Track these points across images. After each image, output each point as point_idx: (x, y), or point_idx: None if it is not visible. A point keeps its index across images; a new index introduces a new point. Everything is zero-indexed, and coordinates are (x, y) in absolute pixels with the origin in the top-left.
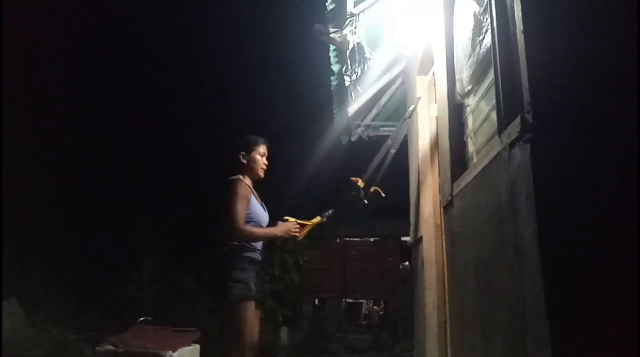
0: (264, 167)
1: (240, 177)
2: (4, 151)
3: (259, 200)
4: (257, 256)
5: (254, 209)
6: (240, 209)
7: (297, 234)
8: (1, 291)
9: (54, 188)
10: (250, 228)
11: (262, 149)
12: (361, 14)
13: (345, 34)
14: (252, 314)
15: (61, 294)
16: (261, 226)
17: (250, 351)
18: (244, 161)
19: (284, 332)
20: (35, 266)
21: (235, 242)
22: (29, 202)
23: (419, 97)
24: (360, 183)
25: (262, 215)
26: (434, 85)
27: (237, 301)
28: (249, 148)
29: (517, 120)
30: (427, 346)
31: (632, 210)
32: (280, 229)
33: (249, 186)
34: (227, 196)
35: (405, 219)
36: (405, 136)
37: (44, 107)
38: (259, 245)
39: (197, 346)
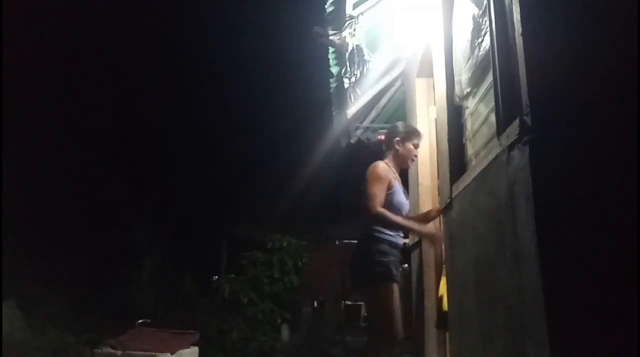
0: (414, 158)
1: (386, 161)
2: (4, 151)
3: (402, 187)
4: (398, 240)
5: (396, 195)
6: (378, 192)
7: (436, 244)
8: (1, 292)
9: (54, 188)
10: (384, 212)
11: (417, 141)
12: (360, 17)
13: (345, 36)
14: (396, 296)
15: (60, 296)
16: (400, 213)
17: (398, 332)
18: (397, 148)
19: (283, 334)
20: (34, 267)
21: (374, 226)
22: (29, 202)
23: None
24: None
25: (404, 203)
26: (433, 87)
27: (380, 283)
28: (407, 137)
29: (516, 122)
30: (426, 348)
31: (631, 211)
32: (421, 228)
33: (393, 172)
34: (369, 178)
35: None
36: None
37: (43, 107)
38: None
39: (196, 348)
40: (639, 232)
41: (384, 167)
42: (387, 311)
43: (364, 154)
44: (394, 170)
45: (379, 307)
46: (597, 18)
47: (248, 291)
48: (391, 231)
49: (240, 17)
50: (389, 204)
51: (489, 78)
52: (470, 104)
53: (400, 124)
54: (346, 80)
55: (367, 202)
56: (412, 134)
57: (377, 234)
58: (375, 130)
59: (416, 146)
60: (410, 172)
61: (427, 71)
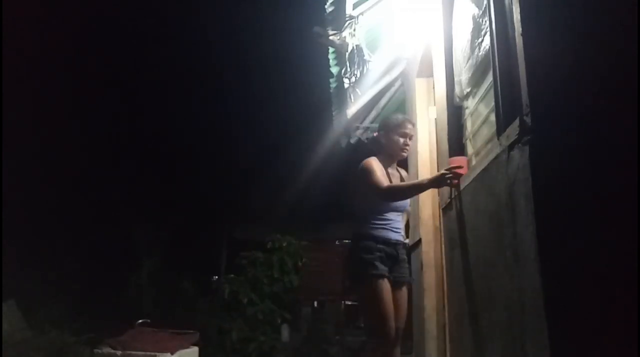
0: (404, 147)
1: (374, 158)
2: (4, 151)
3: (393, 181)
4: (386, 234)
5: None
6: (380, 176)
7: (454, 181)
8: (1, 293)
9: (54, 189)
10: (393, 185)
11: (403, 129)
12: (360, 17)
13: (345, 37)
14: (386, 293)
15: (60, 296)
16: (396, 208)
17: (390, 330)
18: (382, 142)
19: (283, 334)
20: (33, 268)
21: (360, 224)
22: (29, 203)
23: None
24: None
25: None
26: (433, 87)
27: (365, 281)
28: (390, 128)
29: (516, 122)
30: (426, 348)
31: (631, 212)
32: (428, 179)
33: (382, 167)
34: (363, 174)
35: None
36: None
37: (44, 107)
38: (385, 223)
39: (196, 348)
40: (639, 232)
41: (375, 161)
42: (375, 308)
43: (364, 153)
44: (386, 166)
45: (367, 305)
46: (597, 18)
47: (248, 291)
48: (382, 223)
49: (239, 18)
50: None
51: (489, 78)
52: (470, 104)
53: (384, 119)
54: (346, 80)
55: (374, 185)
56: (395, 125)
57: (361, 230)
58: (375, 130)
59: (403, 135)
60: (410, 172)
61: (427, 71)
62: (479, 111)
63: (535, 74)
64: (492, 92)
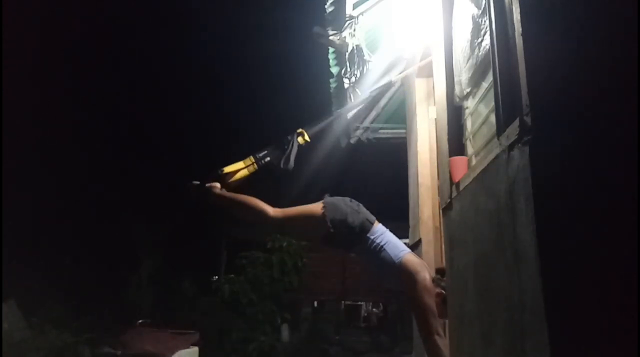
0: None
1: None
2: (5, 150)
3: None
4: None
5: None
6: None
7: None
8: (1, 293)
9: (54, 190)
10: None
11: None
12: (360, 17)
13: (345, 37)
14: None
15: (60, 296)
16: None
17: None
18: None
19: (283, 334)
20: (33, 268)
21: None
22: (29, 203)
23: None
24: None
25: None
26: (433, 87)
27: None
28: None
29: (516, 122)
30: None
31: (631, 212)
32: None
33: None
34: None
35: (404, 221)
36: (405, 139)
37: (43, 107)
38: None
39: (196, 348)
40: (639, 232)
41: None
42: None
43: (364, 153)
44: None
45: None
46: (597, 18)
47: (248, 291)
48: None
49: (240, 18)
50: None
51: (489, 78)
52: (470, 104)
53: None
54: (346, 81)
55: None
56: None
57: None
58: (375, 131)
59: None
60: (410, 172)
61: (427, 71)
62: (479, 111)
63: (535, 74)
64: (492, 92)
